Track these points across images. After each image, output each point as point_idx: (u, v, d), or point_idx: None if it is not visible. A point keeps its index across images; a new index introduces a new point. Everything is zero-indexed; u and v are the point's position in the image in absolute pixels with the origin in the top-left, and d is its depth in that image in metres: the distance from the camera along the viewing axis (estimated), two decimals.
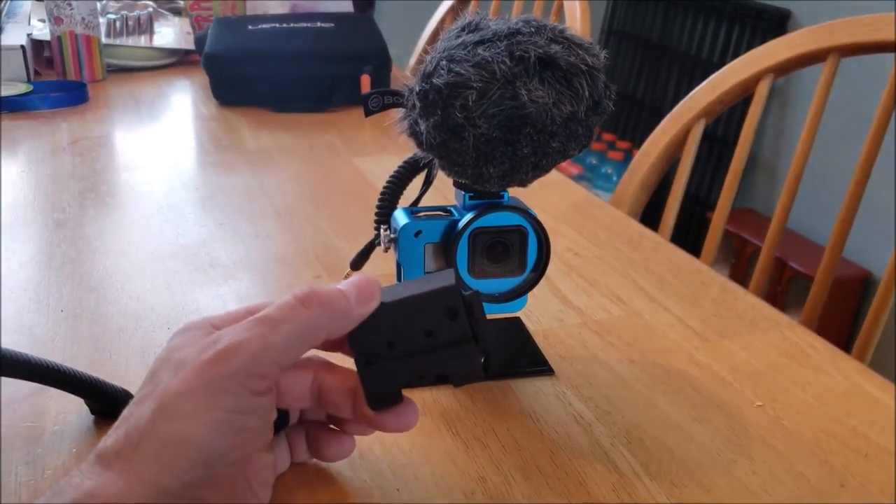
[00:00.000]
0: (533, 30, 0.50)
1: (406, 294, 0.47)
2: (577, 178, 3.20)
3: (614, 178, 3.12)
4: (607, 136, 3.36)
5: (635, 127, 3.37)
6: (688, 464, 0.54)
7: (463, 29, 0.52)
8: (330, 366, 0.49)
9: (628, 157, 3.16)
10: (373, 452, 0.54)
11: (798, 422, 0.59)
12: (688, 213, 2.91)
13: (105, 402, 0.57)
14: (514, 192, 0.58)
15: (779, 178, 2.77)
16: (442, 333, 0.47)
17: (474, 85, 0.48)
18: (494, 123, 0.49)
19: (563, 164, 2.95)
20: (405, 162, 0.60)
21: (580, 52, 0.50)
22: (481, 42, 0.50)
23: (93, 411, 0.57)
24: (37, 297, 0.73)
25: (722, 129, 2.91)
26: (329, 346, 0.49)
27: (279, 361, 0.43)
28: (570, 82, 0.49)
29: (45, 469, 0.52)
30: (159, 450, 0.40)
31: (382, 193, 0.60)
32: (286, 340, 0.43)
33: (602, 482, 0.52)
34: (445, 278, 0.47)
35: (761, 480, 0.53)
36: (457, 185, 0.57)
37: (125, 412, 0.43)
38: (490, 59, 0.49)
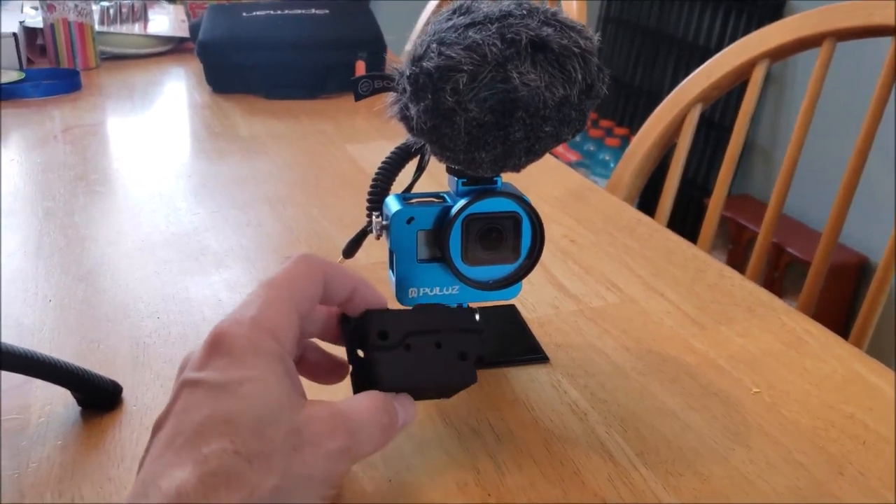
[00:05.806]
0: (525, 12, 0.49)
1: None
2: (575, 165, 3.19)
3: (612, 165, 3.11)
4: (605, 123, 3.35)
5: (633, 114, 3.36)
6: (684, 452, 0.53)
7: (454, 12, 0.51)
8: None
9: (626, 143, 3.15)
10: None
11: (795, 409, 0.58)
12: (686, 200, 2.90)
13: (92, 393, 0.56)
14: (508, 177, 0.57)
15: (776, 163, 2.76)
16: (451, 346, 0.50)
17: (465, 68, 0.47)
18: (486, 107, 0.48)
19: (561, 150, 2.92)
20: (397, 148, 0.59)
21: (572, 34, 0.49)
22: (472, 25, 0.49)
23: (79, 403, 0.57)
24: (24, 286, 0.72)
25: (719, 114, 2.90)
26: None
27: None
28: (562, 65, 0.48)
29: (29, 462, 0.51)
30: None
31: (374, 180, 0.59)
32: (368, 449, 0.45)
33: (597, 471, 0.52)
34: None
35: (759, 469, 0.52)
36: (450, 170, 0.56)
37: (222, 457, 0.39)
38: (481, 41, 0.48)
